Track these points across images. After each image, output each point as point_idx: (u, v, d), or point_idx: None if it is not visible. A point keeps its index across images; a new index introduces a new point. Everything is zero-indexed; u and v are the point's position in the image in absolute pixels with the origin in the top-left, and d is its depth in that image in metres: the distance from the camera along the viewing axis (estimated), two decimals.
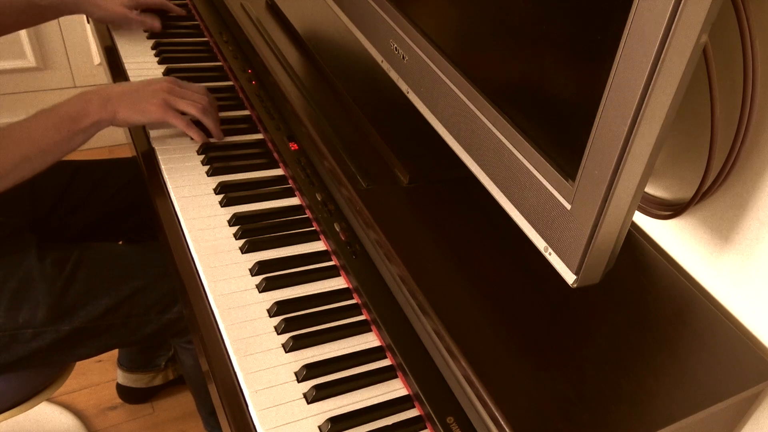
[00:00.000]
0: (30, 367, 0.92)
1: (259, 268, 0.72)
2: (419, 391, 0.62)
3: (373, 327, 0.69)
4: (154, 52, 1.06)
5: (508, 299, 0.65)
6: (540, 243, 0.56)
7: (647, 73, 0.42)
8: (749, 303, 0.68)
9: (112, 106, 0.81)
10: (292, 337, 0.66)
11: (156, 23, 1.09)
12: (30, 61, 1.86)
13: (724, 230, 0.69)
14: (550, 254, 0.55)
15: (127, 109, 0.82)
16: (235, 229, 0.77)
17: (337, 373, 0.64)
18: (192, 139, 0.88)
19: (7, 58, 1.83)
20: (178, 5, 1.20)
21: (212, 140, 0.89)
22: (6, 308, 0.82)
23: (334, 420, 0.60)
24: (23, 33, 1.80)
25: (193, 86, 0.89)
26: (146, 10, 1.12)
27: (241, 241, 0.76)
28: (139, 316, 0.90)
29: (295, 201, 0.84)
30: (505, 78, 0.59)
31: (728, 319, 0.68)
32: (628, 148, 0.45)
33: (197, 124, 0.88)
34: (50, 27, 1.84)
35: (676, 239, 0.75)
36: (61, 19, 1.84)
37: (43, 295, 0.84)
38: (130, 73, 1.00)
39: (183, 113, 0.86)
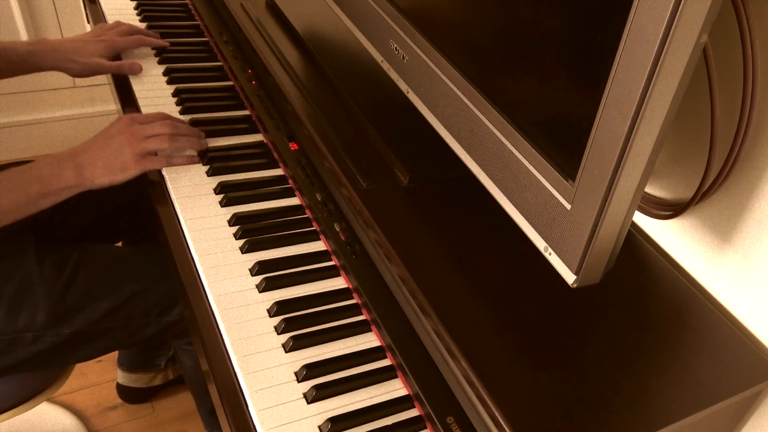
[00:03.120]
0: (30, 370, 0.92)
1: (259, 268, 0.72)
2: (419, 391, 0.62)
3: (373, 327, 0.69)
4: (154, 52, 1.06)
5: (508, 299, 0.65)
6: (540, 243, 0.56)
7: (647, 73, 0.42)
8: (749, 303, 0.68)
9: (88, 173, 0.79)
10: (292, 337, 0.66)
11: (136, 66, 1.02)
12: None
13: (724, 230, 0.69)
14: (550, 254, 0.55)
15: (103, 174, 0.80)
16: (235, 229, 0.77)
17: (337, 373, 0.64)
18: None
19: None
20: (179, 5, 1.20)
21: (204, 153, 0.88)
22: (6, 311, 0.82)
23: (334, 420, 0.60)
24: (23, 33, 1.80)
25: (150, 116, 0.86)
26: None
27: (241, 241, 0.76)
28: (139, 318, 0.90)
29: (295, 201, 0.84)
30: (504, 78, 0.59)
31: (728, 320, 0.68)
32: (628, 148, 0.45)
33: None
34: (50, 27, 1.84)
35: (676, 239, 0.75)
36: (62, 19, 1.84)
37: (42, 298, 0.83)
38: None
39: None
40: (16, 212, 0.78)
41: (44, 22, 1.82)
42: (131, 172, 0.81)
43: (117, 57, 1.05)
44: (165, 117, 0.87)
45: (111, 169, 0.80)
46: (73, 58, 1.00)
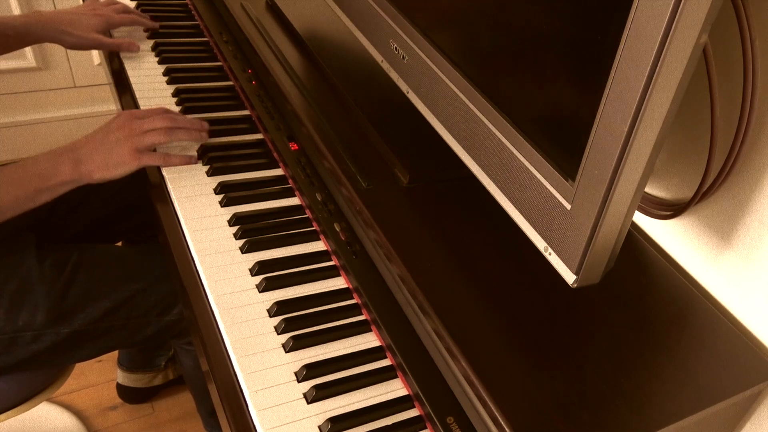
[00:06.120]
0: (30, 369, 0.92)
1: (259, 268, 0.72)
2: (419, 391, 0.62)
3: (373, 327, 0.69)
4: (154, 52, 1.06)
5: (508, 299, 0.65)
6: (540, 243, 0.56)
7: (647, 73, 0.42)
8: (749, 303, 0.68)
9: (85, 168, 0.79)
10: (292, 337, 0.66)
11: (133, 45, 1.04)
12: (30, 61, 1.85)
13: (724, 230, 0.69)
14: (550, 254, 0.55)
15: (101, 169, 0.80)
16: (235, 229, 0.77)
17: (337, 373, 0.64)
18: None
19: (7, 58, 1.82)
20: (179, 5, 1.20)
21: (206, 142, 0.89)
22: (6, 310, 0.82)
23: (334, 420, 0.60)
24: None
25: (149, 111, 0.86)
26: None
27: (241, 241, 0.76)
28: (139, 318, 0.90)
29: (295, 201, 0.84)
30: (505, 78, 0.59)
31: (728, 319, 0.68)
32: (628, 148, 0.45)
33: None
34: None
35: (676, 239, 0.75)
36: None
37: (42, 298, 0.83)
38: (130, 73, 1.00)
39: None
40: (15, 208, 0.78)
41: None
42: (128, 167, 0.81)
43: (108, 34, 1.05)
44: (164, 111, 0.86)
45: (108, 165, 0.80)
46: (68, 30, 1.00)
